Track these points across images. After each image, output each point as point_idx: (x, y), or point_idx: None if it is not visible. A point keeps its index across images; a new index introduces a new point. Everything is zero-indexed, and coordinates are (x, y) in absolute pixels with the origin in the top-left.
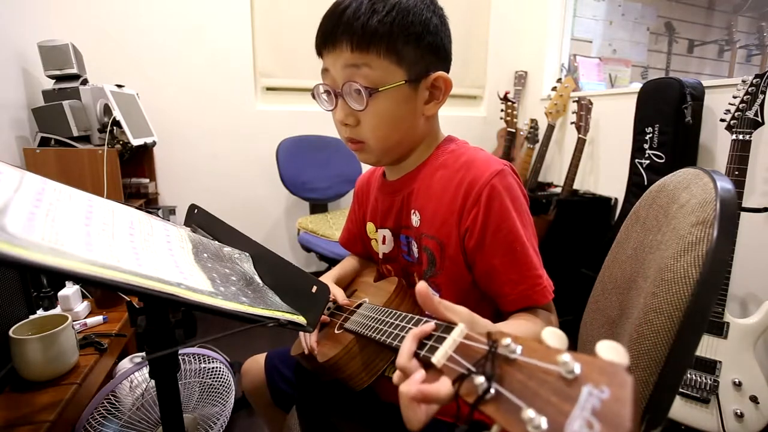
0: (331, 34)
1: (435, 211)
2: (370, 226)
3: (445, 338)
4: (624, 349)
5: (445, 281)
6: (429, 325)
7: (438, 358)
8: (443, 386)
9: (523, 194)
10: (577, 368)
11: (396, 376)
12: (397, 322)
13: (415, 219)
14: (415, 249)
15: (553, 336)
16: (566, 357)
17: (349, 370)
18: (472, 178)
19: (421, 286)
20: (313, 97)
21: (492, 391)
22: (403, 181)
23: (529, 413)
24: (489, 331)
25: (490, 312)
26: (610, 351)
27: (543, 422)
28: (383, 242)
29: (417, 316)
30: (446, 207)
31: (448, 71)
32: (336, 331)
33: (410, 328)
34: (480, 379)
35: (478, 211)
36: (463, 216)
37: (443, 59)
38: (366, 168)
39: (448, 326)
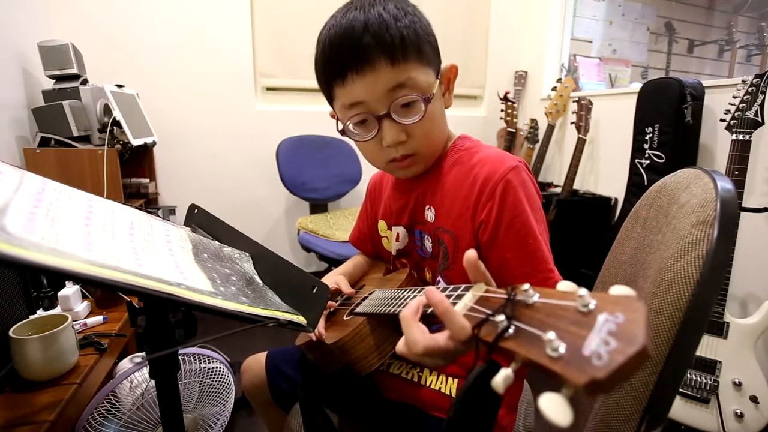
0: (360, 58)
1: (450, 206)
2: (381, 225)
3: (464, 295)
4: (631, 288)
5: (457, 275)
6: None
7: (458, 309)
8: (463, 319)
9: (537, 191)
10: (593, 303)
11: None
12: (412, 294)
13: (429, 214)
14: (428, 244)
15: (567, 285)
16: (583, 291)
17: (358, 351)
18: (487, 174)
19: (471, 253)
20: (343, 134)
21: (511, 329)
22: (418, 178)
23: (549, 335)
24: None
25: None
26: (621, 290)
27: (562, 346)
28: (396, 239)
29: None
30: (461, 202)
31: None
32: (345, 318)
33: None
34: (500, 317)
35: (492, 205)
36: (477, 210)
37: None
38: (366, 166)
39: (468, 286)
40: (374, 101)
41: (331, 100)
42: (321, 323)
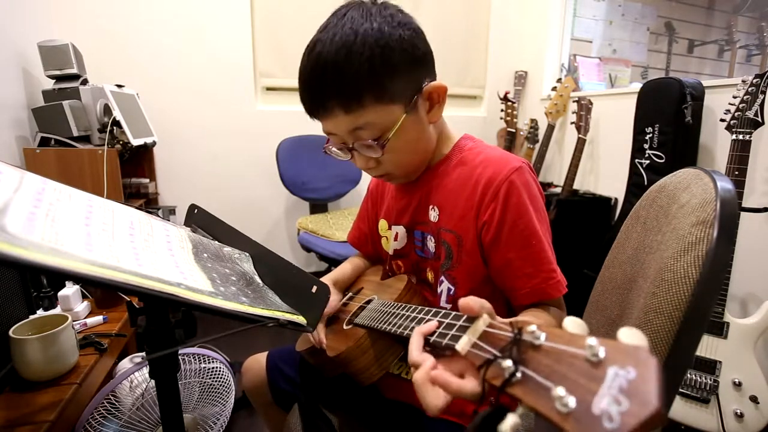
0: (319, 103)
1: (454, 206)
2: (382, 224)
3: (468, 327)
4: (643, 334)
5: (462, 274)
6: (433, 323)
7: (462, 345)
8: (468, 383)
9: (540, 191)
10: (602, 352)
11: (413, 371)
12: (410, 314)
13: (433, 214)
14: (430, 244)
15: (575, 324)
16: (592, 341)
17: (360, 364)
18: (491, 174)
19: (463, 301)
20: (325, 153)
21: (518, 374)
22: (421, 178)
23: (559, 391)
24: (511, 321)
25: (502, 307)
26: (632, 336)
27: (571, 401)
28: (395, 239)
29: (432, 309)
30: (465, 202)
31: (434, 70)
32: (345, 327)
33: (424, 318)
34: (507, 363)
35: (496, 206)
36: (481, 210)
37: (427, 64)
38: None
39: (471, 317)
40: (342, 135)
41: None
42: (321, 331)
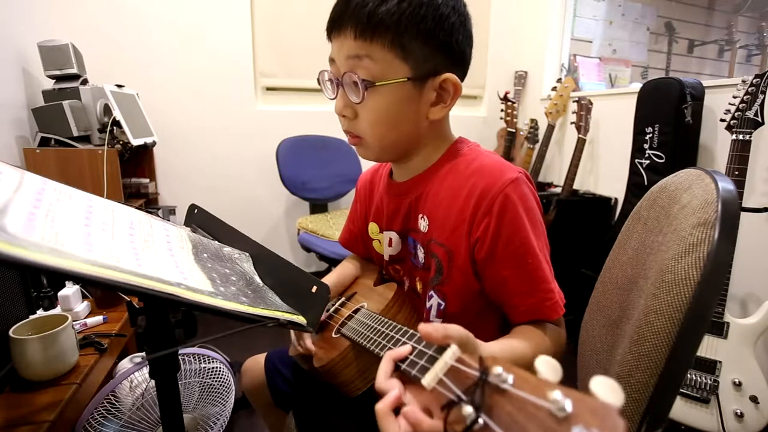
0: (338, 20)
1: (445, 218)
2: (372, 227)
3: (437, 359)
4: (619, 385)
5: (452, 290)
6: (405, 348)
7: (428, 381)
8: (436, 425)
9: (537, 203)
10: (569, 406)
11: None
12: (390, 333)
13: (423, 224)
14: (421, 254)
15: (547, 366)
16: (558, 395)
17: (344, 376)
18: (484, 186)
19: (422, 328)
20: (318, 83)
21: (480, 421)
22: (411, 183)
23: None
24: (481, 356)
25: (495, 320)
26: (605, 389)
27: None
28: (389, 244)
29: (410, 330)
30: (456, 215)
31: (463, 76)
32: (333, 335)
33: (400, 340)
34: (468, 409)
35: (489, 221)
36: (473, 225)
37: (458, 62)
38: (366, 165)
39: (441, 347)
40: (339, 64)
41: None
42: (308, 338)
